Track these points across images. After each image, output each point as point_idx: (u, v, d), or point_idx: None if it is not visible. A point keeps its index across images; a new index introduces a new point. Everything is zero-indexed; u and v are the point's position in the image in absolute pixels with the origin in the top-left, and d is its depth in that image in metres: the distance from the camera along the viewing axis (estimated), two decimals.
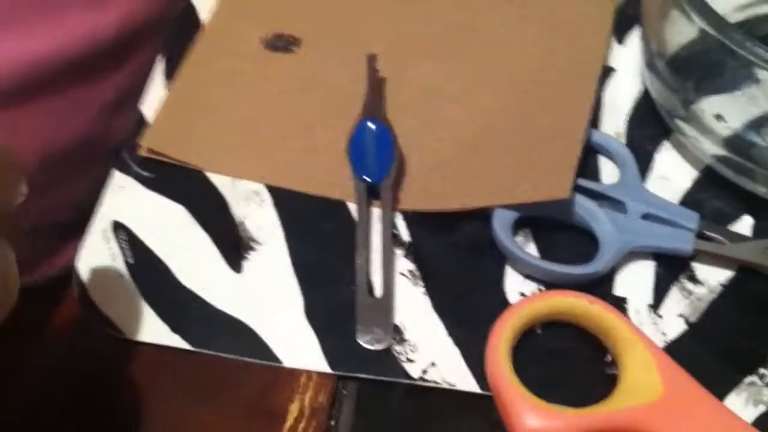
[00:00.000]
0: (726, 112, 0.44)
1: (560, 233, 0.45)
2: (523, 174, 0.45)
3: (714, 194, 0.46)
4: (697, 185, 0.46)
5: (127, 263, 0.44)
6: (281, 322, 0.42)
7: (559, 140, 0.45)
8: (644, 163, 0.47)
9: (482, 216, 0.44)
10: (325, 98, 0.49)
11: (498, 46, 0.51)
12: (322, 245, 0.45)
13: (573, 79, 0.49)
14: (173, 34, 0.53)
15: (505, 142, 0.47)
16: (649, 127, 0.48)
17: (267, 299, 0.43)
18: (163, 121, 0.49)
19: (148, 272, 0.44)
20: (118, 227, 0.45)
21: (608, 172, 0.47)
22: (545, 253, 0.44)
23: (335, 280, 0.43)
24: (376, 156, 0.46)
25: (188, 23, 0.53)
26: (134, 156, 0.48)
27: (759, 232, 0.44)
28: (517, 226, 0.45)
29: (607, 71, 0.51)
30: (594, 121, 0.48)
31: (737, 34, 0.38)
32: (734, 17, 0.51)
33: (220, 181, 0.47)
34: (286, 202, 0.46)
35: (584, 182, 0.45)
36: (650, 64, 0.47)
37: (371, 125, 0.46)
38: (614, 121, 0.49)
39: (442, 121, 0.48)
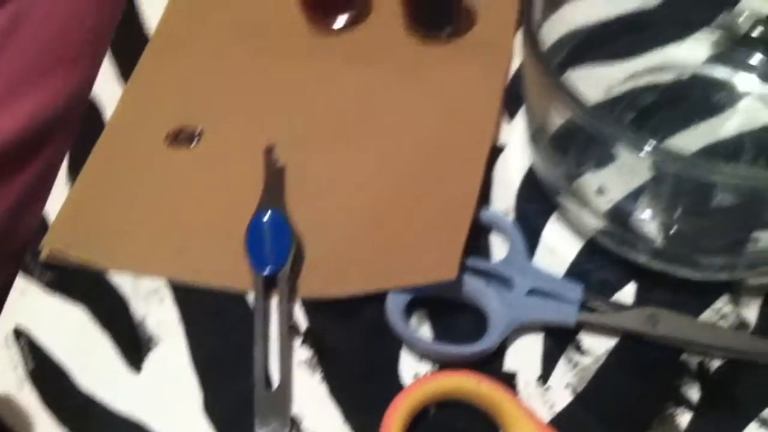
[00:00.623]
0: (607, 185, 0.46)
1: (454, 312, 0.46)
2: (413, 257, 0.46)
3: (599, 264, 0.48)
4: (583, 256, 0.48)
5: (27, 370, 0.45)
6: (180, 420, 0.43)
7: (448, 222, 0.47)
8: (533, 237, 0.49)
9: (380, 299, 0.46)
10: (225, 190, 0.51)
11: (395, 129, 0.53)
12: (222, 339, 0.46)
13: (464, 160, 0.50)
14: (78, 132, 0.54)
15: (398, 226, 0.48)
16: (538, 201, 0.50)
17: (166, 397, 0.44)
18: (65, 222, 0.50)
19: (49, 379, 0.45)
20: (19, 334, 0.46)
21: (499, 248, 0.49)
22: (440, 333, 0.46)
23: (235, 374, 0.44)
24: (273, 247, 0.47)
25: (93, 122, 0.55)
26: (36, 258, 0.49)
27: (641, 299, 0.46)
28: (413, 307, 0.46)
29: (497, 149, 0.52)
30: (485, 198, 0.50)
31: (597, 118, 0.40)
32: (618, 89, 0.53)
33: (121, 280, 0.48)
34: (187, 298, 0.47)
35: (473, 261, 0.46)
36: (534, 141, 0.49)
37: (268, 217, 0.48)
38: (504, 197, 0.51)
39: (339, 207, 0.50)
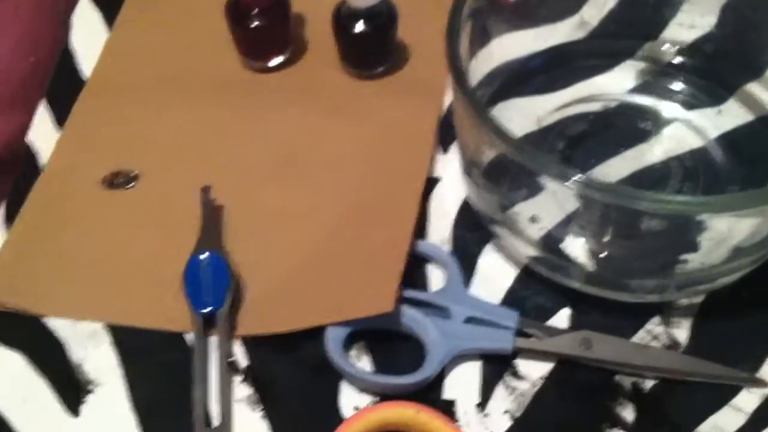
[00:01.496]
0: (539, 214, 0.47)
1: (393, 343, 0.47)
2: (351, 291, 0.47)
3: (534, 291, 0.49)
4: (518, 283, 0.49)
5: None
6: None
7: (385, 255, 0.48)
8: (470, 266, 0.50)
9: (319, 333, 0.46)
10: (163, 232, 0.51)
11: (331, 165, 0.53)
12: (162, 379, 0.46)
13: (400, 193, 0.51)
14: (15, 178, 0.54)
15: (336, 261, 0.49)
16: (473, 231, 0.51)
17: None
18: (1, 269, 0.50)
19: None
20: None
21: (436, 278, 0.49)
22: (380, 364, 0.46)
23: (175, 415, 0.44)
24: (211, 287, 0.47)
25: (29, 167, 0.55)
26: None
27: (576, 323, 0.47)
28: (353, 340, 0.47)
29: (433, 181, 0.53)
30: (422, 229, 0.51)
31: (523, 151, 0.41)
32: (549, 119, 0.55)
33: (59, 323, 0.48)
34: (125, 340, 0.47)
35: (411, 292, 0.47)
36: (467, 173, 0.50)
37: (205, 257, 0.48)
38: (441, 228, 0.51)
39: (277, 244, 0.50)
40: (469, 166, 0.49)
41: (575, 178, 0.39)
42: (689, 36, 0.56)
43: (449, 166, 0.54)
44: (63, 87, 0.58)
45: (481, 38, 0.51)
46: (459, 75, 0.44)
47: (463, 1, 0.47)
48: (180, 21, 0.61)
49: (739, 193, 0.40)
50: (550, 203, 0.46)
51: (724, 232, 0.45)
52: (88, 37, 0.61)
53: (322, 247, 0.49)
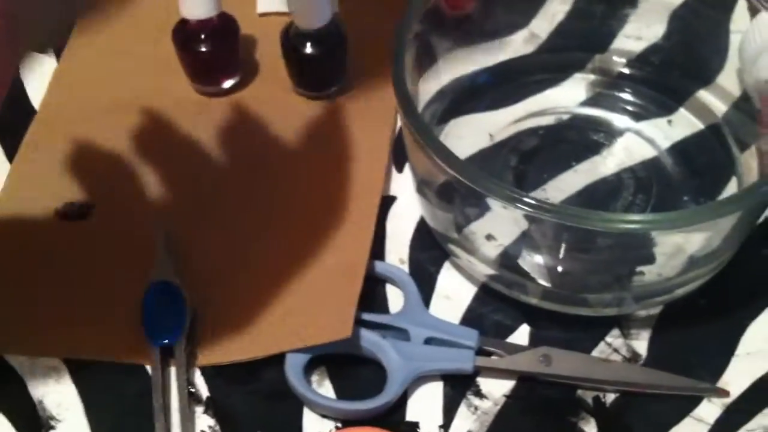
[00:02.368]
0: (494, 231, 0.47)
1: (354, 367, 0.46)
2: (309, 317, 0.47)
3: (493, 308, 0.49)
4: (477, 301, 0.49)
5: None
6: None
7: (341, 279, 0.48)
8: (428, 286, 0.50)
9: (279, 361, 0.46)
10: (120, 263, 0.50)
11: (285, 189, 0.53)
12: (124, 412, 0.45)
13: (355, 215, 0.51)
14: None
15: (293, 285, 0.48)
16: (431, 250, 0.51)
17: None
18: None
19: None
20: None
21: (395, 299, 0.49)
22: (341, 389, 0.46)
23: None
24: (169, 318, 0.47)
25: None
26: None
27: (535, 339, 0.47)
28: (313, 365, 0.47)
29: (389, 200, 0.53)
30: (380, 250, 0.51)
31: (471, 175, 0.41)
32: (502, 135, 0.55)
33: (17, 361, 0.47)
34: (85, 374, 0.46)
35: (369, 315, 0.47)
36: (420, 192, 0.50)
37: (161, 288, 0.48)
38: (398, 249, 0.51)
39: (234, 271, 0.50)
40: (422, 186, 0.49)
41: (523, 200, 0.40)
42: (637, 47, 0.56)
43: (405, 185, 0.54)
44: (12, 119, 0.57)
45: (428, 58, 0.51)
46: (403, 99, 0.44)
47: (407, 24, 0.47)
48: (129, 48, 0.60)
49: (686, 210, 0.41)
50: (505, 221, 0.47)
51: (678, 244, 0.45)
52: (37, 66, 0.60)
53: (278, 272, 0.49)
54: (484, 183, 0.41)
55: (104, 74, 0.59)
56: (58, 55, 0.61)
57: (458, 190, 0.45)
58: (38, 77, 0.59)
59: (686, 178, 0.52)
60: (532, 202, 0.40)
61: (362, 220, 0.51)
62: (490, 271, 0.48)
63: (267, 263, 0.49)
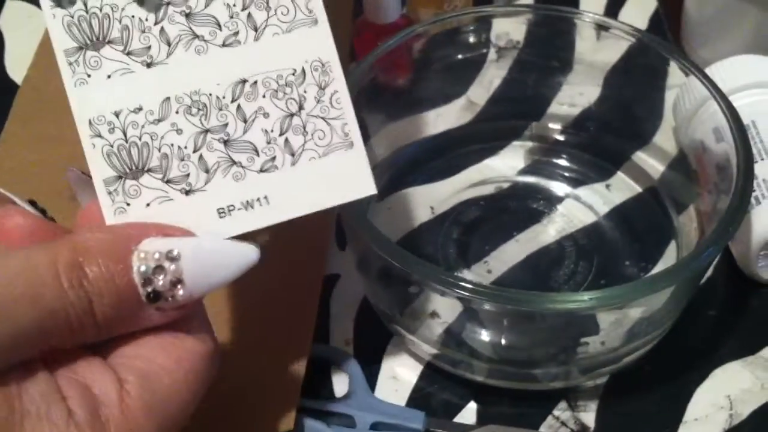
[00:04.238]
0: (438, 309, 0.47)
1: None
2: (252, 411, 0.46)
3: (440, 386, 0.48)
4: (424, 380, 0.48)
5: None
6: None
7: (284, 366, 0.47)
8: (374, 366, 0.49)
9: None
10: None
11: None
12: None
13: (296, 295, 0.50)
14: None
15: (236, 375, 0.47)
16: (376, 329, 0.50)
17: None
18: None
19: None
20: None
21: (341, 383, 0.49)
22: None
23: None
24: None
25: None
26: None
27: (483, 417, 0.47)
28: None
29: (333, 279, 0.53)
30: (324, 332, 0.50)
31: (402, 257, 0.41)
32: (443, 207, 0.55)
33: None
34: None
35: (313, 403, 0.46)
36: (360, 270, 0.50)
37: None
38: (343, 329, 0.51)
39: None
40: (361, 265, 0.49)
41: (460, 285, 0.39)
42: (572, 113, 0.57)
43: (348, 262, 0.53)
44: None
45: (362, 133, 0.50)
46: None
47: None
48: (63, 136, 0.60)
49: (616, 288, 0.41)
50: (447, 298, 0.46)
51: (619, 315, 0.45)
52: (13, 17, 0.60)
53: (226, 360, 0.48)
54: (419, 269, 0.41)
55: (40, 161, 0.59)
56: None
57: (398, 272, 0.45)
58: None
59: (627, 243, 0.52)
60: (469, 286, 0.40)
61: (304, 302, 0.50)
62: (435, 351, 0.47)
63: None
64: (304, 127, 0.36)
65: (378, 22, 0.58)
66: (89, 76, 0.34)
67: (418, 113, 0.57)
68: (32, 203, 0.35)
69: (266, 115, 0.35)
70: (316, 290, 0.51)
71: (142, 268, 0.31)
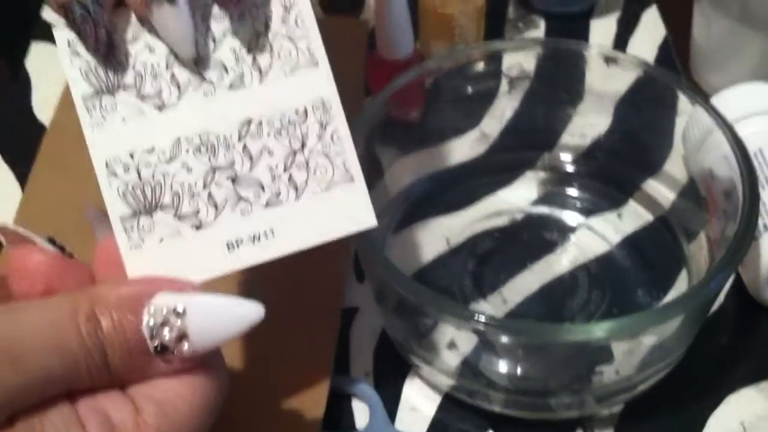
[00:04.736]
0: (456, 340, 0.48)
1: None
2: None
3: (458, 416, 0.49)
4: (442, 411, 0.50)
5: None
6: None
7: (304, 398, 0.48)
8: (393, 398, 0.50)
9: None
10: None
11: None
12: None
13: (316, 329, 0.52)
14: None
15: (253, 411, 0.49)
16: (395, 360, 0.52)
17: None
18: None
19: None
20: None
21: (361, 414, 0.50)
22: None
23: None
24: None
25: None
26: None
27: None
28: None
29: (352, 312, 0.54)
30: (344, 364, 0.51)
31: (419, 292, 0.42)
32: (458, 239, 0.56)
33: None
34: None
35: None
36: (378, 303, 0.51)
37: None
38: (363, 361, 0.52)
39: None
40: (379, 297, 0.50)
41: (476, 319, 0.41)
42: (582, 143, 0.58)
43: (367, 295, 0.54)
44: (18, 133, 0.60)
45: (376, 168, 0.52)
46: None
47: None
48: (88, 176, 0.61)
49: (630, 318, 0.42)
50: (464, 330, 0.47)
51: (632, 344, 0.46)
52: (0, 198, 0.62)
53: (238, 395, 0.49)
54: (435, 302, 0.42)
55: (68, 200, 0.60)
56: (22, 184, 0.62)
57: (414, 305, 0.46)
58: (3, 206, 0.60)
59: (639, 272, 0.53)
60: (483, 320, 0.41)
61: (323, 334, 0.51)
62: (452, 382, 0.48)
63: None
64: (307, 163, 0.37)
65: (390, 57, 0.60)
66: (105, 119, 0.36)
67: (431, 146, 0.58)
68: (51, 241, 0.37)
69: (271, 152, 0.37)
70: (335, 322, 0.52)
71: (151, 323, 0.33)
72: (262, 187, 0.37)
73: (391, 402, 0.50)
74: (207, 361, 0.35)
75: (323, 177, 0.37)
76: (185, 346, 0.33)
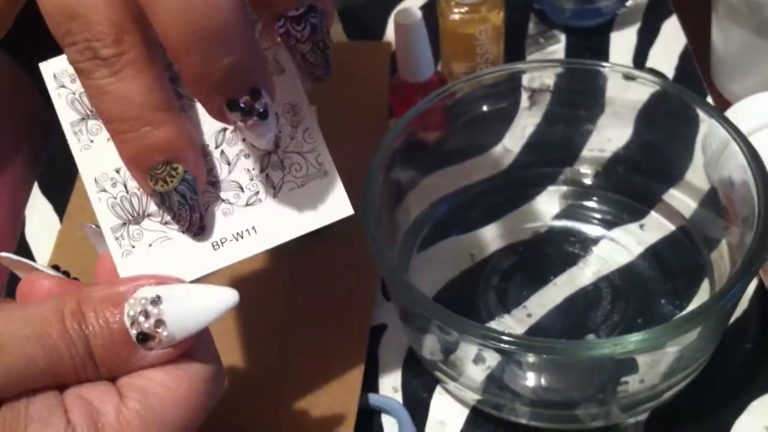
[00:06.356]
0: (482, 354, 0.49)
1: None
2: None
3: (485, 430, 0.50)
4: (470, 424, 0.51)
5: None
6: None
7: (334, 414, 0.49)
8: (422, 412, 0.51)
9: None
10: None
11: (273, 325, 0.55)
12: None
13: (344, 346, 0.53)
14: None
15: (285, 424, 0.50)
16: (423, 375, 0.53)
17: None
18: None
19: None
20: None
21: (391, 430, 0.51)
22: None
23: None
24: None
25: None
26: None
27: None
28: None
29: (380, 329, 0.55)
30: (373, 381, 0.53)
31: (441, 314, 0.44)
32: (481, 254, 0.57)
33: None
34: None
35: None
36: (403, 320, 0.52)
37: None
38: (391, 377, 0.53)
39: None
40: (404, 315, 0.51)
41: (500, 339, 0.42)
42: (603, 156, 0.58)
43: (394, 313, 0.56)
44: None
45: (398, 194, 0.53)
46: (373, 241, 0.46)
47: (379, 164, 0.50)
48: None
49: (655, 329, 0.42)
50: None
51: (657, 354, 0.46)
52: (41, 228, 0.64)
53: (270, 412, 0.51)
54: (458, 324, 0.43)
55: None
56: (60, 215, 0.64)
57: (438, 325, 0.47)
58: (43, 237, 0.62)
59: (661, 282, 0.53)
60: (506, 338, 0.42)
61: (352, 351, 0.52)
62: (478, 396, 0.49)
63: (254, 406, 0.51)
64: (282, 162, 0.39)
65: (412, 80, 0.61)
66: (92, 141, 0.38)
67: (454, 164, 0.59)
68: (55, 267, 0.39)
69: (247, 155, 0.39)
70: (363, 340, 0.53)
71: (131, 312, 0.35)
72: (242, 188, 0.39)
73: (419, 417, 0.51)
74: (192, 352, 0.36)
75: (298, 174, 0.39)
76: (164, 333, 0.34)
